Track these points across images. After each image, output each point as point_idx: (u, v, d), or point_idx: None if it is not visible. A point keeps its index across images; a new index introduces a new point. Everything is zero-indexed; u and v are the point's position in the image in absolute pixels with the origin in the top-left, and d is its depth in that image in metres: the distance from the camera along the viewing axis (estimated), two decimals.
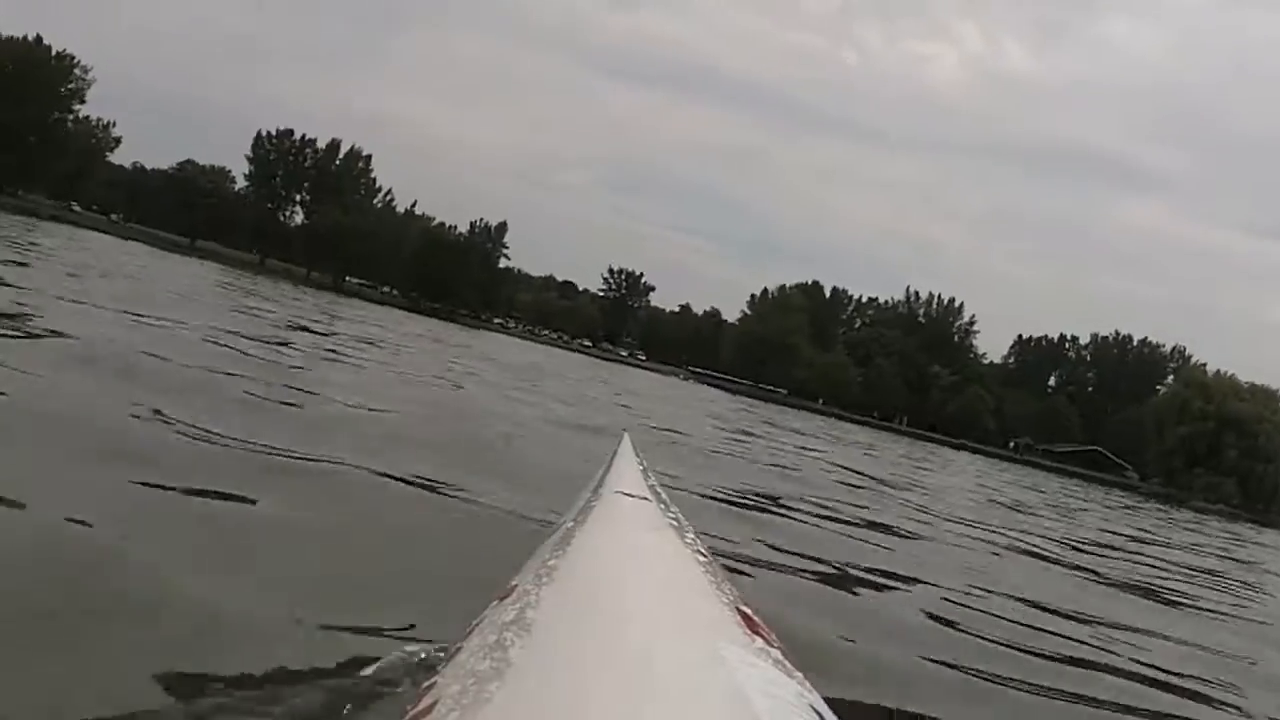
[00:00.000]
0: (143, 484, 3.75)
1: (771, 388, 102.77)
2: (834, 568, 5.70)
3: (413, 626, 2.74)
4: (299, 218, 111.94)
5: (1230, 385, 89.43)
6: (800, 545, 6.08)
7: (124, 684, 2.10)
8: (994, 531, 11.00)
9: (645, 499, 1.86)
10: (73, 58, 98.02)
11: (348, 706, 2.07)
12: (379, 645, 2.44)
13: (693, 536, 1.68)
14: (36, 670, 2.12)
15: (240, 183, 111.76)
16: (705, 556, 1.53)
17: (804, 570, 5.35)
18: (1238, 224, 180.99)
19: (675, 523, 1.74)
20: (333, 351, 13.75)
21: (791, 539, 6.28)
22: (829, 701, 1.11)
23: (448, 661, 1.14)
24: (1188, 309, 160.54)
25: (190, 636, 2.42)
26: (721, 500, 7.47)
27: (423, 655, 2.13)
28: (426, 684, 1.10)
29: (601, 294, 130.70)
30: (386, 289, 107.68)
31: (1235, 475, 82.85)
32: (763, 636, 1.16)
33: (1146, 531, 20.17)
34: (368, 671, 2.24)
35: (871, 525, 8.53)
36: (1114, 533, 17.06)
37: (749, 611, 1.26)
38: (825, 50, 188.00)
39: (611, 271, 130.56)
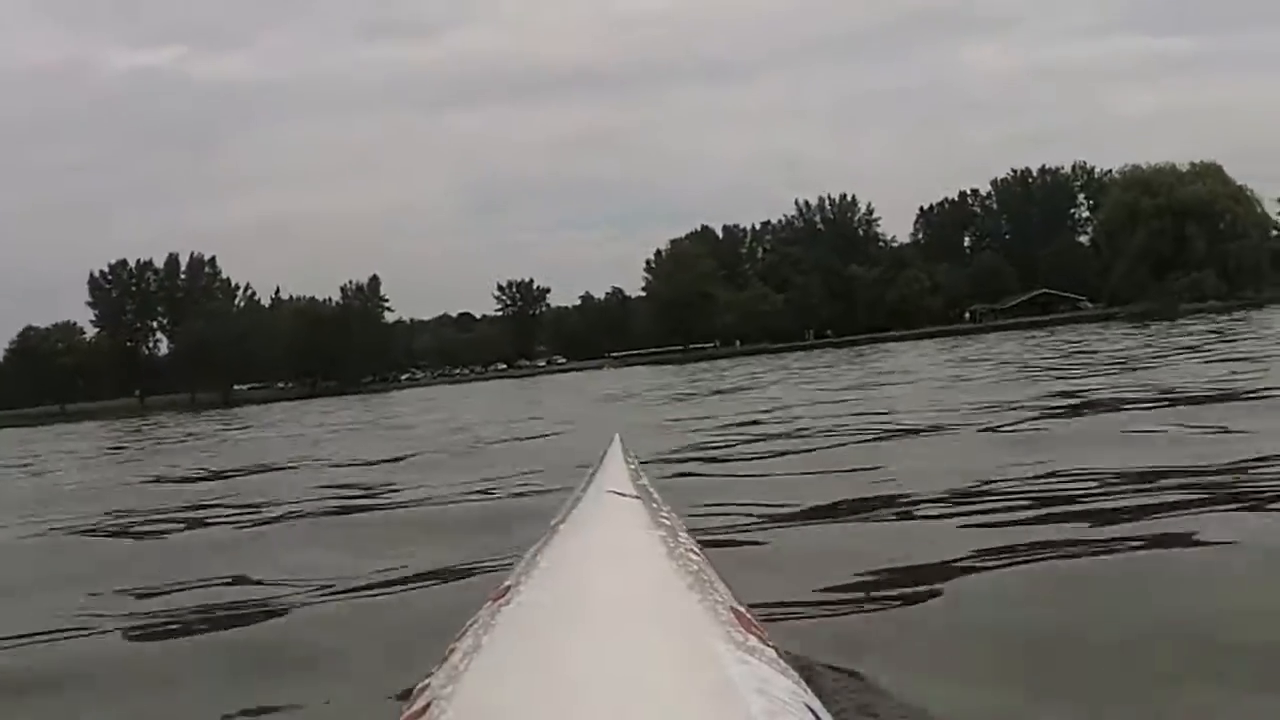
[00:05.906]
0: None
1: (699, 346, 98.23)
2: None
3: None
4: (165, 345, 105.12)
5: (1172, 172, 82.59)
6: None
7: None
8: None
9: (636, 498, 1.87)
10: None
11: None
12: None
13: (685, 535, 1.69)
14: None
15: (91, 331, 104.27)
16: (698, 555, 1.54)
17: None
18: (1080, 31, 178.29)
19: (667, 521, 1.74)
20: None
21: None
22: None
23: (441, 663, 1.15)
24: (1065, 129, 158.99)
25: None
26: None
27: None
28: (420, 685, 1.10)
29: (499, 313, 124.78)
30: (281, 384, 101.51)
31: (1211, 265, 76.90)
32: (756, 634, 1.15)
33: None
34: None
35: None
36: None
37: (742, 609, 1.28)
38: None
39: (501, 288, 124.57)
